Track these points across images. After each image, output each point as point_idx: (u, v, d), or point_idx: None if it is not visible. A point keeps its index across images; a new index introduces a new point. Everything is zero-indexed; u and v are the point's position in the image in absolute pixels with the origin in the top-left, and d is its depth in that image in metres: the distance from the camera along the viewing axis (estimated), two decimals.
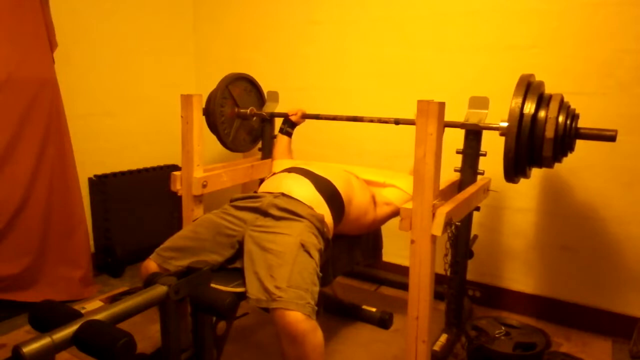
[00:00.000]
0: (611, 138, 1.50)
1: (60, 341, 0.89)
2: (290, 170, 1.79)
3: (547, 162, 1.56)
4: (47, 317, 0.98)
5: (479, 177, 1.79)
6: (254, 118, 2.39)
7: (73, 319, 0.94)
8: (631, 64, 1.85)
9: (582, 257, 2.05)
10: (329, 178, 1.72)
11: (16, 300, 2.09)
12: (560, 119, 1.49)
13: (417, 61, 2.32)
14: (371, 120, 2.04)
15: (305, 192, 1.65)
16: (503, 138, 1.55)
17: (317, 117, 2.19)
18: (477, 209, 1.81)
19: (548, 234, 2.12)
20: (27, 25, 2.07)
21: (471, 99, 1.77)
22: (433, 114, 1.37)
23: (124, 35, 2.67)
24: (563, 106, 1.53)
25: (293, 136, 2.25)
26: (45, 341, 0.87)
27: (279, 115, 2.30)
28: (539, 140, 1.51)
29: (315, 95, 2.63)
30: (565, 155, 1.59)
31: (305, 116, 2.21)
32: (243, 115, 2.33)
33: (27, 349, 0.84)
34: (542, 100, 1.53)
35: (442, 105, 1.40)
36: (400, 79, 2.38)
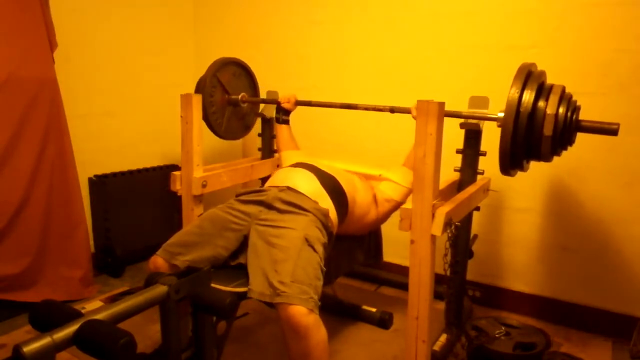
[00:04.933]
0: (613, 132, 1.44)
1: (60, 341, 0.89)
2: (296, 165, 1.81)
3: (545, 157, 1.51)
4: (47, 316, 0.98)
5: (478, 177, 1.79)
6: (245, 104, 2.32)
7: (73, 318, 0.94)
8: (631, 64, 1.85)
9: (582, 257, 2.05)
10: (334, 175, 1.74)
11: (16, 300, 2.09)
12: (561, 110, 1.42)
13: (417, 61, 2.32)
14: (366, 108, 1.97)
15: (310, 186, 1.67)
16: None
17: (309, 104, 2.14)
18: (477, 209, 1.81)
19: (548, 234, 2.12)
20: (27, 25, 2.07)
21: (471, 98, 1.77)
22: (433, 114, 1.37)
23: (124, 35, 2.67)
24: (564, 98, 1.46)
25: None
26: (45, 341, 0.87)
27: (271, 102, 2.26)
28: (537, 134, 1.44)
29: (315, 95, 2.61)
30: (565, 149, 1.53)
31: (298, 103, 2.17)
32: (234, 102, 2.27)
33: (27, 349, 0.84)
34: (542, 91, 1.46)
35: (442, 105, 1.40)
36: (400, 79, 2.38)
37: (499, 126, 1.53)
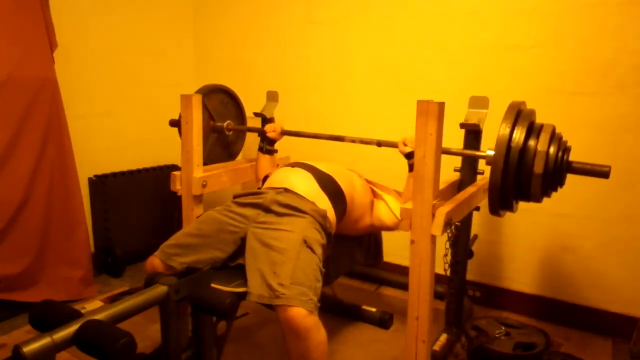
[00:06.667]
0: (604, 174, 1.40)
1: (60, 341, 0.89)
2: (294, 165, 1.80)
3: (535, 197, 1.46)
4: (47, 316, 0.98)
5: (478, 177, 1.79)
6: (230, 132, 2.27)
7: (73, 318, 0.94)
8: (631, 64, 1.85)
9: (582, 257, 2.05)
10: (332, 175, 1.73)
11: (16, 300, 2.09)
12: (552, 149, 1.40)
13: (417, 61, 2.32)
14: (352, 141, 1.92)
15: (308, 187, 1.66)
16: None
17: (296, 134, 2.08)
18: (477, 209, 1.81)
19: (548, 234, 2.12)
20: (27, 25, 2.07)
21: (471, 98, 1.77)
22: (433, 114, 1.37)
23: (123, 35, 2.67)
24: (554, 137, 1.43)
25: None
26: (45, 341, 0.88)
27: (256, 130, 2.22)
28: (527, 174, 1.41)
29: (315, 95, 2.63)
30: (555, 190, 1.50)
31: (285, 133, 2.10)
32: (219, 129, 2.21)
33: (27, 349, 0.84)
34: (533, 129, 1.44)
35: (442, 105, 1.39)
36: (400, 79, 2.38)
37: (487, 164, 1.49)
